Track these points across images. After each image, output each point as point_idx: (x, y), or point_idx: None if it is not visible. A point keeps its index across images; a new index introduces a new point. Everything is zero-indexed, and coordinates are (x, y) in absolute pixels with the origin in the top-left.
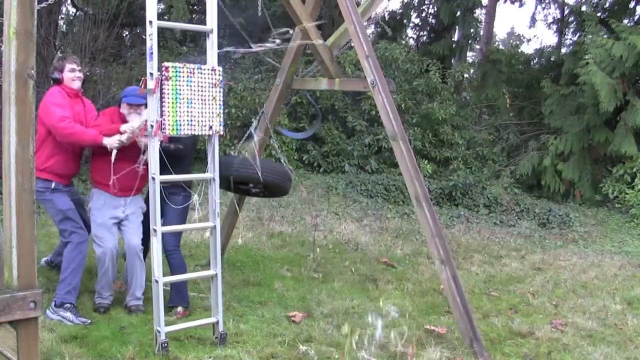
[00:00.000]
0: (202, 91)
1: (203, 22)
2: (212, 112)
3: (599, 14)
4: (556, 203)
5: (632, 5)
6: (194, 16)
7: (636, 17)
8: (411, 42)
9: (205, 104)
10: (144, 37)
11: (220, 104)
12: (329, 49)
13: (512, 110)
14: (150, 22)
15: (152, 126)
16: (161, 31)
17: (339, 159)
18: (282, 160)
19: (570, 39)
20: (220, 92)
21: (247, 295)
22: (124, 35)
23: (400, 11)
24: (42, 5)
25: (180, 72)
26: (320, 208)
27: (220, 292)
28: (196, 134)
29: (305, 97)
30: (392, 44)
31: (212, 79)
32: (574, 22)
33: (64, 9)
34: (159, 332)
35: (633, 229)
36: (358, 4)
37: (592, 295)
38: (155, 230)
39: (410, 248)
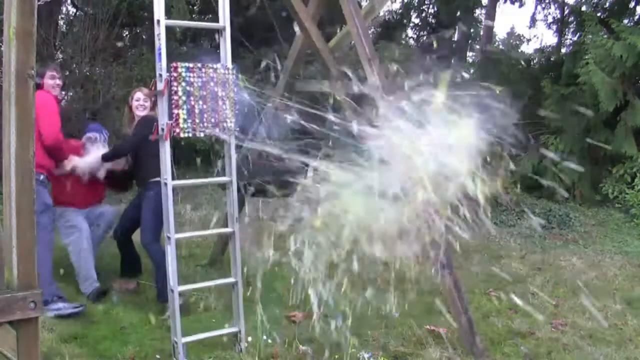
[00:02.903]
0: (214, 90)
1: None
2: (225, 112)
3: (599, 14)
4: (556, 203)
5: (632, 5)
6: (193, 16)
7: (636, 17)
8: (411, 42)
9: (217, 104)
10: (144, 37)
11: (233, 103)
12: (331, 51)
13: (512, 110)
14: (158, 22)
15: (162, 129)
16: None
17: None
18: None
19: (570, 39)
20: (233, 90)
21: (247, 295)
22: (124, 35)
23: (400, 11)
24: (41, 2)
25: (190, 71)
26: None
27: (241, 300)
28: (209, 134)
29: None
30: (392, 43)
31: (224, 77)
32: (574, 22)
33: (64, 9)
34: (176, 343)
35: (633, 229)
36: (360, 6)
37: (592, 295)
38: (169, 238)
39: None
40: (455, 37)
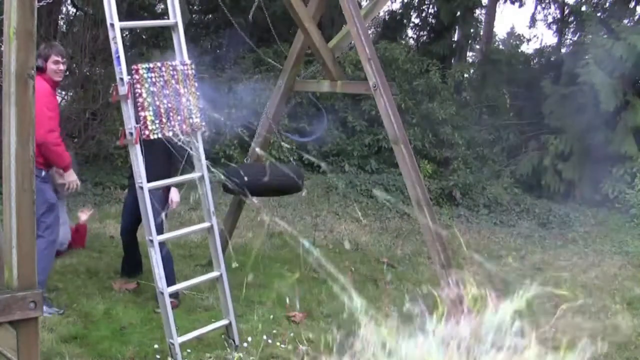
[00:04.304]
0: (176, 88)
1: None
2: (191, 108)
3: (599, 14)
4: (556, 203)
5: (632, 5)
6: (194, 16)
7: (636, 17)
8: (411, 42)
9: (181, 101)
10: (144, 37)
11: (197, 98)
12: (331, 51)
13: (512, 110)
14: (112, 25)
15: (131, 134)
16: (161, 31)
17: (339, 159)
18: (292, 161)
19: (570, 39)
20: (195, 86)
21: (247, 295)
22: (124, 35)
23: (400, 11)
24: (42, 4)
25: (151, 71)
26: (320, 208)
27: (229, 292)
28: (177, 133)
29: (306, 97)
30: (392, 44)
31: (184, 73)
32: (574, 22)
33: (64, 9)
34: (172, 344)
35: (633, 229)
36: (360, 6)
37: (592, 295)
38: (151, 241)
39: (410, 248)
40: (455, 37)
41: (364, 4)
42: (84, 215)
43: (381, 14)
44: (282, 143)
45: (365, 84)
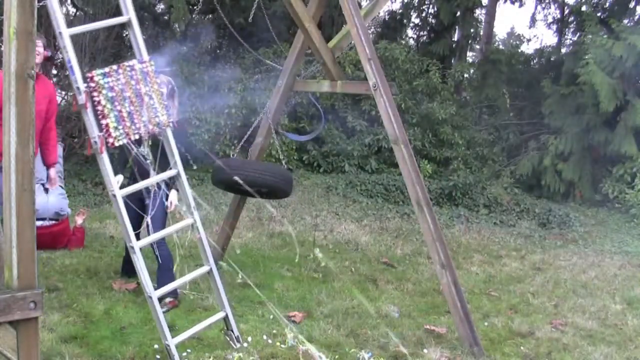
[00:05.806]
0: (137, 88)
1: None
2: (155, 107)
3: (599, 14)
4: (556, 203)
5: (632, 5)
6: (194, 16)
7: (636, 17)
8: (411, 42)
9: (144, 101)
10: (143, 37)
11: (161, 95)
12: (331, 51)
13: (512, 110)
14: (60, 34)
15: (95, 142)
16: (161, 31)
17: (339, 159)
18: (282, 162)
19: (570, 39)
20: (158, 82)
21: (247, 295)
22: (124, 35)
23: (400, 11)
24: (42, 4)
25: (107, 76)
26: (320, 208)
27: (221, 285)
28: (143, 135)
29: (306, 97)
30: (392, 44)
31: (143, 71)
32: (574, 22)
33: (64, 9)
34: (168, 346)
35: (633, 229)
36: (360, 6)
37: (592, 295)
38: (133, 248)
39: (410, 248)
40: (455, 37)
41: (364, 4)
42: (80, 219)
43: (381, 14)
44: (276, 143)
45: (365, 84)
